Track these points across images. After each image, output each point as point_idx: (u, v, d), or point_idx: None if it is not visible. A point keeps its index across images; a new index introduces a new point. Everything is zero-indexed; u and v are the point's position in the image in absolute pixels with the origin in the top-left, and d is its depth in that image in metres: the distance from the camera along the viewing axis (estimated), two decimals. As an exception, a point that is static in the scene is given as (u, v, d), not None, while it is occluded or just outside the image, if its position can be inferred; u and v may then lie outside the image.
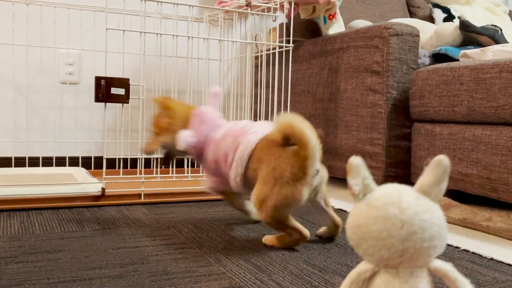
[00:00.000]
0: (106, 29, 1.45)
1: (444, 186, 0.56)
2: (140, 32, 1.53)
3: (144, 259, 0.98)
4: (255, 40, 1.99)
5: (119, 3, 1.78)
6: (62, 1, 1.97)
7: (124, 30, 1.51)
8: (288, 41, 1.83)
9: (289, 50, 1.79)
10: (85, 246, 1.05)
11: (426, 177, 0.56)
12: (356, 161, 0.56)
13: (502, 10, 2.53)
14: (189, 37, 1.65)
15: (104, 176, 1.49)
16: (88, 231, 1.19)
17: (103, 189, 1.48)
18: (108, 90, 1.46)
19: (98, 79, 1.45)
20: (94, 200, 1.48)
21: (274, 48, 1.86)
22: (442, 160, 0.55)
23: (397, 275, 0.55)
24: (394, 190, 0.56)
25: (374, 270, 0.56)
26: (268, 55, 1.87)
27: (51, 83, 2.05)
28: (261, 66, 1.90)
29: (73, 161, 1.99)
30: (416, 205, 0.54)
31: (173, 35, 1.62)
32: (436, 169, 0.55)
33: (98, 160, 2.05)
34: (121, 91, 1.48)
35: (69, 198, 1.45)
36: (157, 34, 1.58)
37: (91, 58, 2.08)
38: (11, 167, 1.86)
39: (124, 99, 1.48)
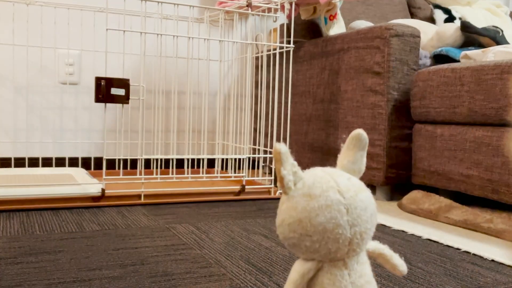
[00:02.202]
0: (107, 29, 1.45)
1: (364, 161, 0.53)
2: (141, 33, 1.52)
3: (144, 260, 0.97)
4: (256, 41, 1.98)
5: (119, 4, 1.77)
6: (62, 1, 1.97)
7: (124, 31, 1.51)
8: (288, 42, 1.83)
9: (289, 50, 1.79)
10: (85, 247, 1.05)
11: (347, 154, 0.52)
12: (283, 148, 0.49)
13: (503, 11, 2.53)
14: (189, 37, 1.65)
15: (104, 176, 1.48)
16: (88, 232, 1.18)
17: (103, 190, 1.48)
18: (108, 90, 1.45)
19: (98, 80, 1.45)
20: (94, 201, 1.48)
21: (274, 49, 1.86)
22: (361, 134, 0.51)
23: (345, 266, 0.49)
24: (326, 173, 0.51)
25: (317, 267, 0.50)
26: (268, 56, 1.87)
27: (51, 83, 2.05)
28: (261, 67, 1.89)
29: (73, 162, 1.99)
30: (351, 185, 0.50)
31: (174, 36, 1.62)
32: (357, 144, 0.52)
33: (98, 160, 2.05)
34: (121, 92, 1.48)
35: (69, 199, 1.44)
36: (158, 34, 1.58)
37: (91, 59, 2.08)
38: (11, 167, 1.86)
39: (124, 99, 1.48)
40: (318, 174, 0.51)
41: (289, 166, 0.49)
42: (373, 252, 0.53)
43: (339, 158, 0.53)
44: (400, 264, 0.53)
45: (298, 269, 0.50)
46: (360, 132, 0.51)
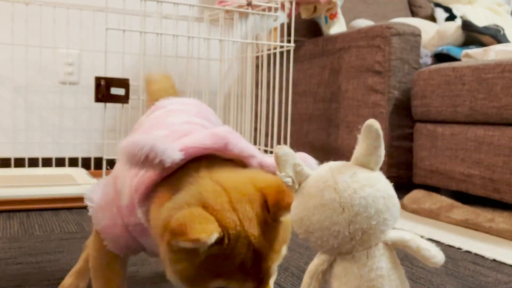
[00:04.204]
0: (106, 29, 1.44)
1: (381, 151, 0.51)
2: (140, 32, 1.52)
3: (144, 261, 0.97)
4: (256, 40, 1.98)
5: (119, 3, 1.77)
6: (61, 1, 1.96)
7: (124, 30, 1.50)
8: (289, 41, 1.83)
9: (290, 50, 1.78)
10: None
11: (360, 147, 0.51)
12: (281, 151, 0.51)
13: (505, 10, 2.53)
14: (189, 37, 1.64)
15: (104, 176, 1.48)
16: (88, 232, 1.18)
17: (103, 190, 1.47)
18: (108, 90, 1.45)
19: (98, 79, 1.45)
20: (94, 200, 1.47)
21: (275, 48, 1.85)
22: (373, 124, 0.49)
23: (353, 260, 0.50)
24: (328, 171, 0.51)
25: (330, 259, 0.52)
26: (269, 55, 1.86)
27: (50, 83, 2.04)
28: (262, 66, 1.89)
29: (73, 162, 1.99)
30: (353, 182, 0.50)
31: (173, 35, 1.62)
32: (368, 135, 0.50)
33: (98, 160, 2.04)
34: (121, 91, 1.47)
35: (68, 199, 1.44)
36: (157, 34, 1.58)
37: (90, 58, 2.08)
38: (11, 167, 1.85)
39: (124, 99, 1.48)
40: (321, 172, 0.52)
41: (289, 168, 0.51)
42: (395, 244, 0.51)
43: (354, 151, 0.52)
44: (431, 256, 0.50)
45: (314, 261, 0.53)
46: (370, 122, 0.49)
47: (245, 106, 1.92)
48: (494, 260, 1.09)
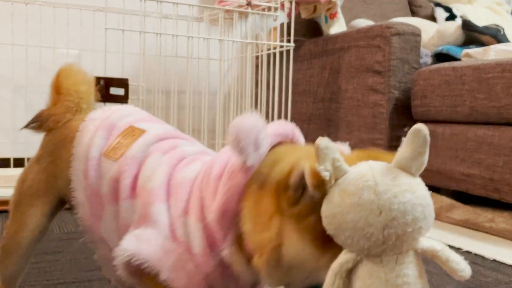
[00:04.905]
0: (106, 29, 1.44)
1: (425, 158, 0.50)
2: (140, 32, 1.52)
3: None
4: (256, 40, 1.98)
5: (118, 3, 1.77)
6: (61, 1, 1.96)
7: (123, 30, 1.50)
8: (288, 41, 1.82)
9: (290, 49, 1.78)
10: (85, 248, 1.04)
11: (404, 150, 0.50)
12: (323, 143, 0.49)
13: (505, 9, 2.52)
14: (189, 36, 1.64)
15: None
16: (87, 232, 1.18)
17: (102, 190, 1.47)
18: (108, 90, 1.45)
19: (97, 79, 1.44)
20: (94, 200, 1.47)
21: (274, 48, 1.85)
22: (421, 129, 0.48)
23: (381, 264, 0.49)
24: (369, 170, 0.50)
25: (356, 259, 0.50)
26: (268, 55, 1.86)
27: (50, 83, 2.04)
28: (261, 66, 1.89)
29: (73, 162, 1.98)
30: (394, 185, 0.49)
31: (173, 35, 1.62)
32: (415, 139, 0.49)
33: (98, 160, 2.04)
34: (120, 91, 1.47)
35: (68, 199, 1.44)
36: (157, 33, 1.57)
37: (90, 58, 2.07)
38: (10, 167, 1.85)
39: (123, 99, 1.47)
40: (361, 170, 0.50)
41: (328, 162, 0.49)
42: (425, 252, 0.50)
43: (397, 153, 0.51)
44: (459, 269, 0.49)
45: (339, 259, 0.51)
46: (419, 127, 0.48)
47: (245, 106, 1.91)
48: (494, 260, 1.09)
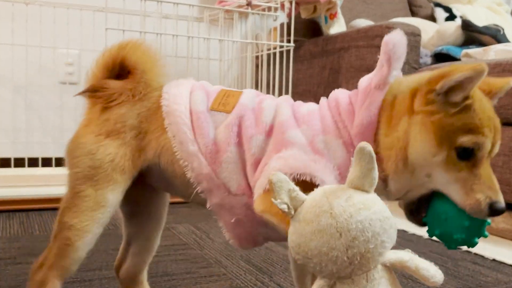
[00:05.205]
0: (106, 29, 1.44)
1: (375, 173, 0.51)
2: (140, 32, 1.52)
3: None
4: (256, 40, 1.98)
5: (119, 3, 1.77)
6: (61, 1, 1.96)
7: (124, 30, 1.50)
8: (288, 41, 1.83)
9: (289, 49, 1.78)
10: (85, 247, 1.04)
11: (354, 170, 0.51)
12: (275, 177, 0.51)
13: (504, 10, 2.53)
14: (189, 37, 1.64)
15: (104, 176, 1.48)
16: (87, 232, 1.18)
17: (103, 190, 1.47)
18: (108, 90, 1.45)
19: (98, 79, 1.44)
20: (94, 200, 1.47)
21: (274, 48, 1.85)
22: (365, 147, 0.50)
23: (354, 284, 0.50)
24: (323, 196, 0.52)
25: (330, 283, 0.52)
26: (268, 55, 1.86)
27: (50, 83, 2.04)
28: (261, 66, 1.89)
29: (73, 162, 1.99)
30: (348, 206, 0.50)
31: (173, 35, 1.62)
32: (362, 158, 0.50)
33: (98, 160, 2.04)
34: (121, 91, 1.47)
35: (68, 199, 1.44)
36: (157, 34, 1.58)
37: (90, 58, 2.07)
38: (11, 167, 1.85)
39: (124, 99, 1.47)
40: (316, 197, 0.52)
41: (284, 194, 0.51)
42: (394, 265, 0.51)
43: (349, 174, 0.52)
44: (430, 276, 0.50)
45: (315, 285, 0.53)
46: (362, 146, 0.50)
47: (245, 106, 1.91)
48: (494, 260, 1.09)
